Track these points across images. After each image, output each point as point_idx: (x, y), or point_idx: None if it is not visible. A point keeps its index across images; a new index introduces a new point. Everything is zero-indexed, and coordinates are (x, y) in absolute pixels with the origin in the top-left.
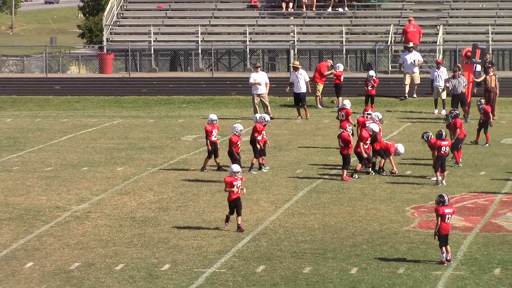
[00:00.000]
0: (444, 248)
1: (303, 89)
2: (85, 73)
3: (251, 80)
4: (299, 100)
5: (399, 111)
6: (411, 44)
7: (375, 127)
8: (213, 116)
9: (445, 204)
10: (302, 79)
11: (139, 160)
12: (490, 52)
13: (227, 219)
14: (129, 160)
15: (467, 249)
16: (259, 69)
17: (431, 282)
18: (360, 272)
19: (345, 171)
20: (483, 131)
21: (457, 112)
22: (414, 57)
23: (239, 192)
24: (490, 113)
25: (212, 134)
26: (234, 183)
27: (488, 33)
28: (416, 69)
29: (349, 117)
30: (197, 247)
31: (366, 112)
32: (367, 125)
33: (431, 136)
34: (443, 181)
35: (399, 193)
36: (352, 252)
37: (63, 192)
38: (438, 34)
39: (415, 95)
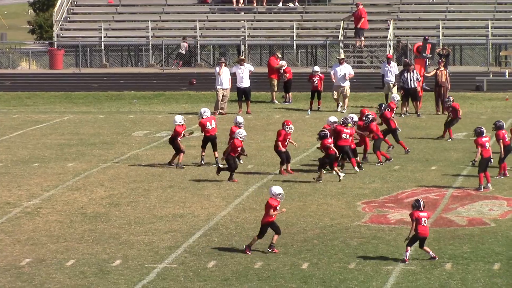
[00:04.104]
0: (409, 247)
1: (246, 83)
2: (36, 69)
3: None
4: (242, 94)
5: (350, 106)
6: (342, 56)
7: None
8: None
9: (420, 208)
10: (246, 73)
11: (90, 156)
12: (441, 46)
13: (250, 245)
14: (80, 156)
15: (418, 244)
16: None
17: (382, 277)
18: (311, 267)
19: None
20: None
21: (385, 105)
22: (345, 70)
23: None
24: (459, 110)
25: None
26: (278, 206)
27: (439, 28)
28: (347, 83)
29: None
30: (148, 243)
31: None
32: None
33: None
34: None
35: (350, 188)
36: (303, 247)
37: (13, 188)
38: (388, 29)
39: (344, 110)
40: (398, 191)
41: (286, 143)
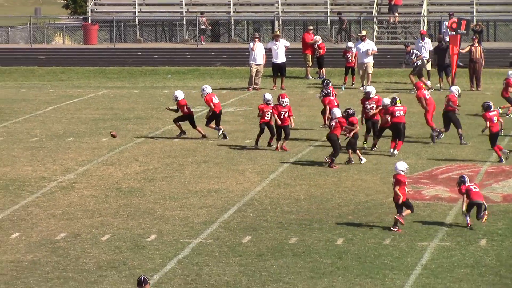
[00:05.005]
0: (467, 215)
1: (281, 59)
2: (70, 44)
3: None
4: (277, 70)
5: (384, 82)
6: (363, 33)
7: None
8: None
9: (465, 183)
10: (282, 48)
11: (124, 131)
12: (475, 22)
13: (395, 223)
14: (114, 131)
15: (453, 220)
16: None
17: (417, 253)
18: (346, 243)
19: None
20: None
21: (328, 90)
22: (367, 46)
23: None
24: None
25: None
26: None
27: (473, 4)
28: (370, 59)
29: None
30: (183, 218)
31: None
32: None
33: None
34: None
35: (384, 164)
36: (338, 223)
37: (48, 162)
38: (422, 5)
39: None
40: (432, 167)
41: (282, 117)
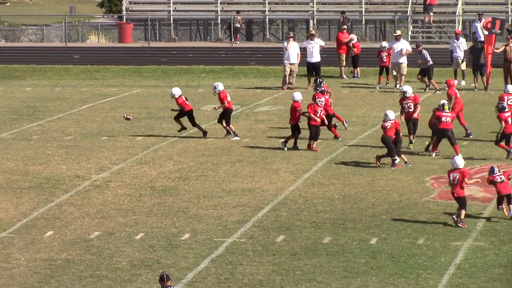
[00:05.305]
0: (500, 206)
1: (316, 58)
2: (105, 43)
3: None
4: (312, 69)
5: (419, 82)
6: (398, 33)
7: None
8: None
9: (494, 173)
10: (316, 47)
11: (158, 130)
12: (510, 22)
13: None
14: (148, 130)
15: (487, 220)
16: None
17: (451, 253)
18: (380, 243)
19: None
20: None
21: (322, 88)
22: (401, 46)
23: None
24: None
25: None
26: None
27: (508, 4)
28: (404, 59)
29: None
30: (216, 217)
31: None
32: None
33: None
34: None
35: (418, 163)
36: (371, 223)
37: (83, 161)
38: (457, 4)
39: (402, 87)
40: (466, 167)
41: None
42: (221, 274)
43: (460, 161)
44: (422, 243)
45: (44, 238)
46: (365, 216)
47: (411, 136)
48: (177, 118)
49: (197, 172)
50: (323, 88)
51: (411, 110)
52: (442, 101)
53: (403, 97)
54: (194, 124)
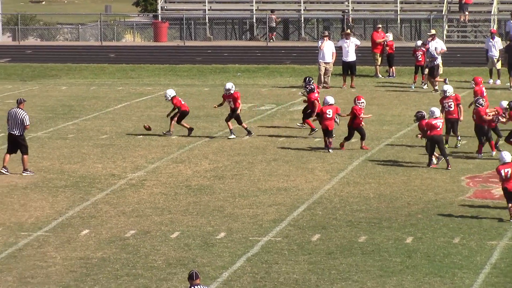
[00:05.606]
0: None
1: (352, 57)
2: (140, 41)
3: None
4: (347, 68)
5: (454, 80)
6: (433, 32)
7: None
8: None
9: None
10: (352, 46)
11: (194, 129)
12: None
13: None
14: (184, 129)
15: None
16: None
17: (487, 252)
18: (416, 242)
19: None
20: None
21: (312, 86)
22: (436, 45)
23: None
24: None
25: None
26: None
27: None
28: (438, 59)
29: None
30: (252, 216)
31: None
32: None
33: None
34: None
35: (454, 162)
36: (407, 222)
37: (118, 160)
38: (492, 3)
39: (444, 86)
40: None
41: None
42: (256, 273)
43: (508, 156)
44: (457, 242)
45: (80, 236)
46: (401, 215)
47: (455, 135)
48: (179, 122)
49: (232, 171)
50: (312, 86)
51: (451, 109)
52: (477, 98)
53: (444, 96)
54: (179, 122)
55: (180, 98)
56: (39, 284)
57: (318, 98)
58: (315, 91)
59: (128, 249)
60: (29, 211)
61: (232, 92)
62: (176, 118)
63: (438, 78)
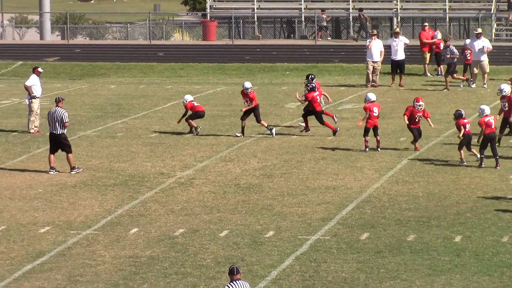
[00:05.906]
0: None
1: (401, 56)
2: (189, 40)
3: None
4: (396, 67)
5: (503, 79)
6: (479, 30)
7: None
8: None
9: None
10: (401, 45)
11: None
12: None
13: None
14: (233, 127)
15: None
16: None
17: None
18: (464, 240)
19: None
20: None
21: (313, 85)
22: (482, 43)
23: None
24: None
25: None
26: None
27: None
28: (485, 57)
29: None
30: (301, 214)
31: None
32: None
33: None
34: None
35: (502, 161)
36: (456, 220)
37: (167, 158)
38: None
39: (485, 85)
40: None
41: (417, 120)
42: (305, 271)
43: None
44: (506, 241)
45: (128, 235)
46: (450, 214)
47: (501, 135)
48: (187, 120)
49: (281, 170)
50: (313, 85)
51: (505, 109)
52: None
53: (501, 95)
54: (187, 119)
55: (193, 102)
56: (88, 283)
57: (317, 98)
58: (315, 90)
59: (177, 248)
60: (78, 210)
61: (250, 91)
62: (189, 118)
63: (458, 76)
